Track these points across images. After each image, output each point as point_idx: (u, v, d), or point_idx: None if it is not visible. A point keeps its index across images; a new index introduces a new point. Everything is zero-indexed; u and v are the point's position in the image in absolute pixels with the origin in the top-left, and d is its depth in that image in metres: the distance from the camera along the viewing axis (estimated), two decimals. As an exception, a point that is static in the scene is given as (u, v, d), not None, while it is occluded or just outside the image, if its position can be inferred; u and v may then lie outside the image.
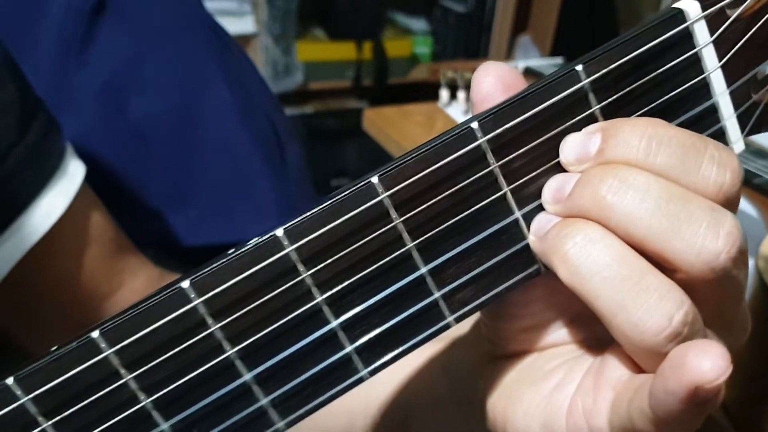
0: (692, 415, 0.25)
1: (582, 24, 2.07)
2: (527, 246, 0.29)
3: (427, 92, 1.33)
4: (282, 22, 1.98)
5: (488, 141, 0.28)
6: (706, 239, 0.25)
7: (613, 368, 0.29)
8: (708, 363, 0.23)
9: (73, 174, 0.48)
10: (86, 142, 0.64)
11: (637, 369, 0.28)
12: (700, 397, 0.24)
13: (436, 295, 0.29)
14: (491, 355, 0.35)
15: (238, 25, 1.90)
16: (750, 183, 0.71)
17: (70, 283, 0.50)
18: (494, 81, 0.29)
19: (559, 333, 0.32)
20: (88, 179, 0.50)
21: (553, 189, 0.29)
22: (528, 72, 1.22)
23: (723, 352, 0.24)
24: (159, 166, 0.70)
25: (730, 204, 0.27)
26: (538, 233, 0.29)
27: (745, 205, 0.75)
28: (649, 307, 0.25)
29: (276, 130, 0.73)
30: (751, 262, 0.60)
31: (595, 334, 0.32)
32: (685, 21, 0.28)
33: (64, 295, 0.50)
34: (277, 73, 2.00)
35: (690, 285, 0.26)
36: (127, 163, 0.69)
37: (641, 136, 0.27)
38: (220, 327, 0.27)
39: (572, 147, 0.28)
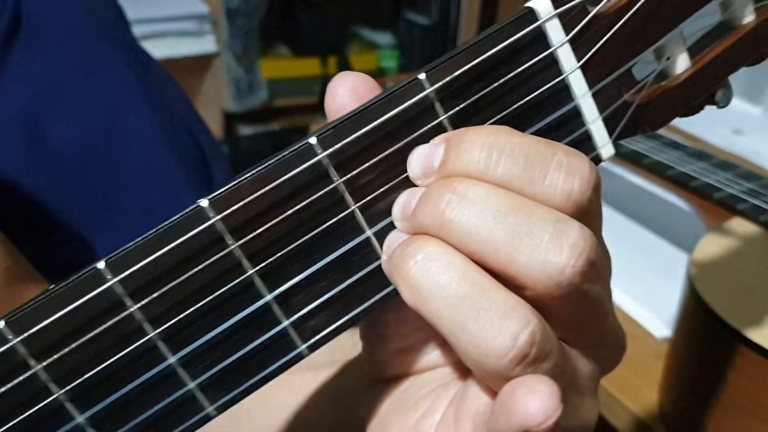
0: None
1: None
2: (380, 266, 0.27)
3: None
4: (243, 40, 1.96)
5: (329, 156, 0.26)
6: (549, 252, 0.23)
7: (473, 397, 0.27)
8: (536, 404, 0.22)
9: None
10: (6, 170, 0.62)
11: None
12: None
13: (285, 323, 0.27)
14: (372, 380, 0.33)
15: (198, 45, 1.89)
16: (687, 185, 0.69)
17: None
18: (347, 92, 0.27)
19: (433, 355, 0.30)
20: (9, 207, 0.48)
21: (400, 205, 0.27)
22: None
23: (552, 390, 0.22)
24: (81, 191, 0.68)
25: (583, 213, 0.25)
26: (386, 252, 0.27)
27: (683, 206, 0.73)
28: (492, 327, 0.23)
29: (201, 150, 0.72)
30: (685, 266, 0.58)
31: None
32: (537, 20, 0.26)
33: None
34: (241, 91, 1.98)
35: (540, 302, 0.24)
36: (49, 189, 0.67)
37: (482, 146, 0.25)
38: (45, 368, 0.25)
39: (418, 160, 0.26)
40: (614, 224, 0.85)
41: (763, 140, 1.05)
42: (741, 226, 0.64)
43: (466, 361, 0.25)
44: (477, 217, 0.24)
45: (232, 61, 1.95)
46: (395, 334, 0.30)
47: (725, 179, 0.71)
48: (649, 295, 0.72)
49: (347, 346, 0.40)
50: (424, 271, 0.24)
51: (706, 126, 1.09)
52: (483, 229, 0.24)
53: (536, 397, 0.22)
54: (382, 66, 2.24)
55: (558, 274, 0.23)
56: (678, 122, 1.11)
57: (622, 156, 0.76)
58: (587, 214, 0.25)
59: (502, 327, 0.23)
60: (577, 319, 0.25)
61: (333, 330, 0.27)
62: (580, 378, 0.27)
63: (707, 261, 0.59)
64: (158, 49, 1.73)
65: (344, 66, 2.13)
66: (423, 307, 0.25)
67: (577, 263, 0.23)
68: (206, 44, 1.90)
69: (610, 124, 0.28)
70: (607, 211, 0.87)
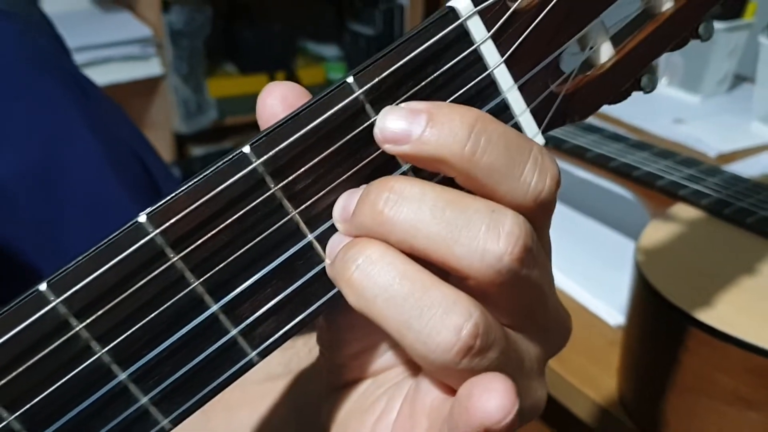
0: None
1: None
2: (325, 269, 0.28)
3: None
4: (189, 61, 1.95)
5: (264, 164, 0.26)
6: (487, 242, 0.24)
7: (425, 393, 0.27)
8: (493, 402, 0.23)
9: None
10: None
11: (450, 390, 0.27)
12: None
13: (233, 332, 0.27)
14: (330, 386, 0.33)
15: (143, 68, 1.87)
16: (630, 176, 0.71)
17: None
18: (277, 102, 0.27)
19: (387, 356, 0.31)
20: None
21: (340, 208, 0.27)
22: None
23: (507, 387, 0.23)
24: (28, 223, 0.67)
25: (545, 212, 0.26)
26: (329, 257, 0.27)
27: (628, 196, 0.75)
28: (435, 323, 0.24)
29: (150, 174, 0.71)
30: (630, 254, 0.60)
31: None
32: (458, 19, 0.27)
33: None
34: (190, 112, 1.97)
35: (482, 291, 0.25)
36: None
37: (469, 130, 0.25)
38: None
39: (395, 122, 0.25)
40: (564, 218, 0.86)
41: (704, 128, 1.08)
42: (684, 211, 0.66)
43: (415, 358, 0.25)
44: (415, 214, 0.24)
45: (179, 83, 1.94)
46: (349, 338, 0.31)
47: (666, 167, 0.72)
48: (601, 284, 0.74)
49: (303, 353, 0.41)
50: (365, 274, 0.25)
51: (649, 117, 1.11)
52: (422, 224, 0.24)
53: (493, 396, 0.23)
54: (330, 78, 2.25)
55: (497, 262, 0.24)
56: (621, 114, 1.13)
57: (566, 151, 0.78)
58: (547, 212, 0.26)
59: (445, 322, 0.24)
60: (518, 304, 0.26)
61: (282, 335, 0.28)
62: (527, 362, 0.27)
63: (653, 247, 0.61)
64: (103, 75, 1.72)
65: (292, 80, 2.12)
66: (368, 310, 0.25)
67: (514, 250, 0.24)
68: (152, 67, 1.88)
69: (538, 115, 0.29)
70: (557, 206, 0.89)
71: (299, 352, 0.41)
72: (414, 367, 0.30)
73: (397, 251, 0.25)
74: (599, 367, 0.67)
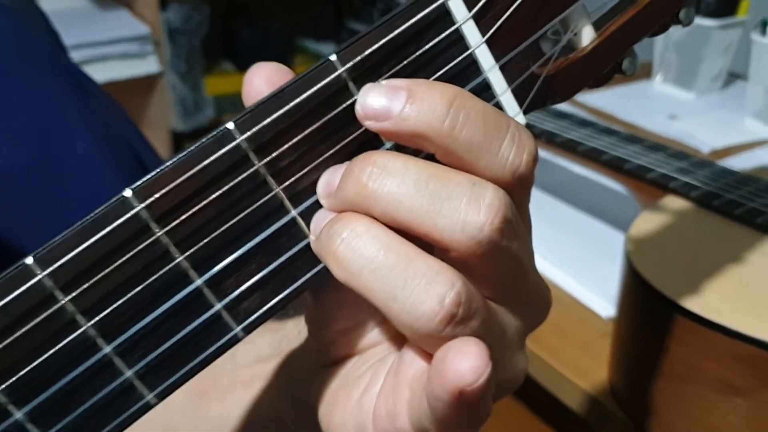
0: (469, 417, 0.24)
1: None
2: (309, 245, 0.28)
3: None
4: (187, 59, 1.96)
5: (248, 140, 0.26)
6: (468, 214, 0.25)
7: (409, 365, 0.28)
8: (466, 364, 0.23)
9: None
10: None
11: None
12: (468, 400, 0.23)
13: (218, 306, 0.27)
14: (319, 365, 0.33)
15: (141, 66, 1.88)
16: (622, 168, 0.71)
17: None
18: (263, 82, 0.28)
19: (373, 332, 0.31)
20: None
21: (324, 183, 0.28)
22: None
23: (479, 349, 0.23)
24: (24, 217, 0.68)
25: (523, 187, 0.27)
26: (314, 232, 0.28)
27: (619, 189, 0.75)
28: (419, 292, 0.25)
29: (146, 169, 0.71)
30: (622, 247, 0.60)
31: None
32: (440, -1, 0.27)
33: None
34: (187, 110, 1.98)
35: (464, 263, 0.26)
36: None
37: (448, 106, 0.25)
38: None
39: (376, 99, 0.26)
40: (555, 211, 0.87)
41: (697, 124, 1.09)
42: (674, 203, 0.67)
43: (400, 328, 0.26)
44: (399, 187, 0.25)
45: (176, 81, 1.94)
46: (336, 316, 0.31)
47: (656, 160, 0.73)
48: (592, 277, 0.74)
49: (292, 335, 0.41)
50: (350, 247, 0.25)
51: (643, 113, 1.12)
52: (405, 197, 0.25)
53: (466, 358, 0.23)
54: (327, 77, 2.25)
55: (478, 233, 0.25)
56: (615, 110, 1.14)
57: (559, 144, 0.78)
58: (525, 187, 0.27)
59: (428, 291, 0.24)
60: (499, 276, 0.27)
61: (266, 310, 0.28)
62: (509, 334, 0.28)
63: (643, 238, 0.61)
64: (101, 73, 1.72)
65: (290, 79, 2.13)
66: (354, 283, 0.26)
67: (494, 221, 0.25)
68: (149, 65, 1.89)
69: (519, 95, 0.29)
70: (547, 199, 0.89)
71: (289, 334, 0.41)
72: (398, 343, 0.31)
73: (381, 225, 0.26)
74: (591, 358, 0.67)
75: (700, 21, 1.10)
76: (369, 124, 0.26)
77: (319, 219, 0.28)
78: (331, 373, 0.32)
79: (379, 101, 0.26)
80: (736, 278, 0.55)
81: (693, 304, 0.52)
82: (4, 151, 0.66)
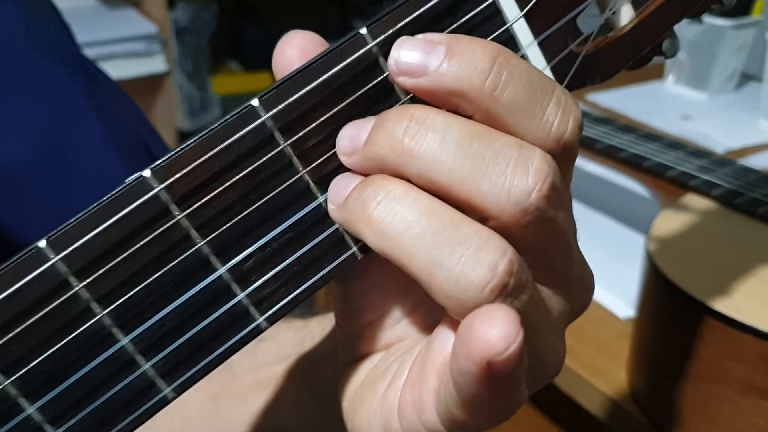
0: (500, 398, 0.22)
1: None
2: (338, 231, 0.26)
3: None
4: (194, 58, 1.95)
5: (273, 119, 0.25)
6: (515, 177, 0.23)
7: (438, 352, 0.26)
8: (495, 331, 0.21)
9: None
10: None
11: None
12: (496, 372, 0.21)
13: (241, 295, 0.26)
14: (345, 361, 0.32)
15: (148, 65, 1.87)
16: (640, 166, 0.70)
17: None
18: (295, 51, 0.26)
19: (401, 325, 0.30)
20: None
21: (348, 138, 0.25)
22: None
23: (510, 315, 0.21)
24: (31, 208, 0.67)
25: (568, 155, 0.25)
26: (337, 200, 0.25)
27: (637, 188, 0.74)
28: (468, 258, 0.22)
29: (155, 159, 0.70)
30: (643, 246, 0.58)
31: (436, 323, 0.29)
32: (477, -29, 0.26)
33: None
34: (194, 109, 1.97)
35: (506, 233, 0.23)
36: (2, 209, 0.65)
37: (491, 63, 0.23)
38: None
39: (411, 53, 0.24)
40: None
41: (711, 124, 1.07)
42: (694, 201, 0.65)
43: (441, 299, 0.23)
44: (440, 146, 0.23)
45: (183, 80, 1.94)
46: (363, 306, 0.30)
47: (676, 158, 0.71)
48: (609, 277, 0.73)
49: (316, 332, 0.39)
50: (388, 211, 0.23)
51: (656, 114, 1.10)
52: (447, 157, 0.23)
53: (495, 323, 0.21)
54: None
55: (524, 199, 0.23)
56: (629, 111, 1.12)
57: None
58: (570, 157, 0.25)
59: (479, 258, 0.22)
60: (542, 249, 0.25)
61: (291, 300, 0.26)
62: (551, 317, 0.26)
63: (665, 237, 0.59)
64: (108, 71, 1.71)
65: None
66: (392, 251, 0.23)
67: (543, 187, 0.23)
68: (156, 64, 1.87)
69: (558, 74, 0.28)
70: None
71: (313, 332, 0.39)
72: (425, 334, 0.29)
73: (418, 188, 0.24)
74: (609, 359, 0.66)
75: (713, 20, 1.09)
76: (402, 81, 0.24)
77: (340, 186, 0.25)
78: (356, 369, 0.31)
79: (415, 56, 0.24)
80: (763, 278, 0.53)
81: (721, 304, 0.50)
82: (13, 141, 0.65)
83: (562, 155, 0.24)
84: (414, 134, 0.23)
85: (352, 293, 0.29)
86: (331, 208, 0.26)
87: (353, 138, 0.25)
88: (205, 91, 1.99)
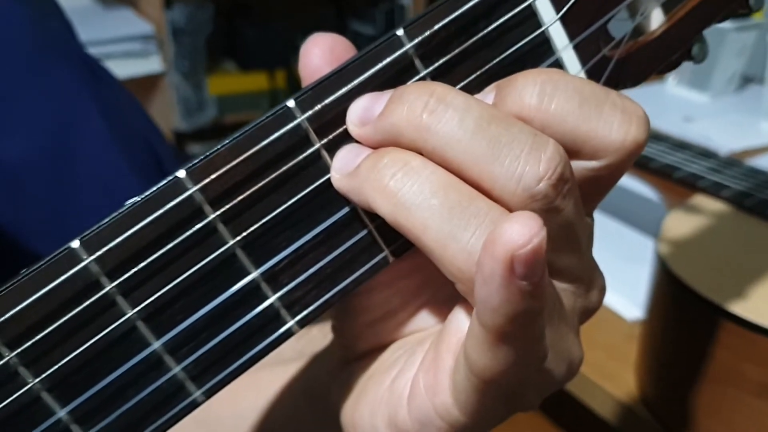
0: (520, 327, 0.22)
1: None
2: (371, 235, 0.26)
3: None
4: (190, 58, 1.94)
5: (309, 120, 0.25)
6: (528, 164, 0.23)
7: (454, 333, 0.26)
8: (516, 226, 0.21)
9: None
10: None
11: None
12: (520, 273, 0.21)
13: (273, 298, 0.26)
14: (343, 361, 0.32)
15: (144, 65, 1.86)
16: (647, 167, 0.70)
17: None
18: (323, 53, 0.26)
19: (406, 324, 0.30)
20: None
21: (360, 108, 0.25)
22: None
23: (529, 215, 0.21)
24: (37, 207, 0.66)
25: (633, 160, 0.25)
26: (345, 169, 0.25)
27: (644, 189, 0.74)
28: (481, 233, 0.23)
29: (159, 160, 0.70)
30: (653, 248, 0.58)
31: (446, 316, 0.29)
32: (514, -28, 0.26)
33: None
34: (190, 109, 1.96)
35: None
36: (5, 208, 0.65)
37: (534, 84, 0.24)
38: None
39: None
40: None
41: (713, 126, 1.07)
42: (704, 202, 0.65)
43: (452, 272, 0.23)
44: (459, 124, 0.23)
45: (179, 80, 1.93)
46: (367, 305, 0.29)
47: (683, 159, 0.71)
48: (616, 279, 0.72)
49: (318, 338, 0.39)
50: (406, 181, 0.23)
51: (658, 115, 1.10)
52: (465, 136, 0.23)
53: (517, 219, 0.21)
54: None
55: (533, 185, 0.23)
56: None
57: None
58: (632, 161, 0.25)
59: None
60: (549, 240, 0.25)
61: (323, 303, 0.26)
62: (565, 310, 0.26)
63: (675, 239, 0.59)
64: (104, 71, 1.70)
65: (292, 79, 2.12)
66: (406, 220, 0.23)
67: (553, 176, 0.23)
68: (152, 64, 1.87)
69: (592, 78, 0.28)
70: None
71: (314, 338, 0.39)
72: (436, 325, 0.29)
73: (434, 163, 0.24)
74: (617, 362, 0.66)
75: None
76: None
77: (349, 155, 0.25)
78: (356, 369, 0.31)
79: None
80: (777, 280, 0.53)
81: (737, 306, 0.50)
82: (17, 140, 0.65)
83: (627, 161, 0.25)
84: (434, 109, 0.23)
85: (357, 292, 0.29)
86: (336, 177, 0.25)
87: (368, 109, 0.25)
88: (201, 92, 1.98)
